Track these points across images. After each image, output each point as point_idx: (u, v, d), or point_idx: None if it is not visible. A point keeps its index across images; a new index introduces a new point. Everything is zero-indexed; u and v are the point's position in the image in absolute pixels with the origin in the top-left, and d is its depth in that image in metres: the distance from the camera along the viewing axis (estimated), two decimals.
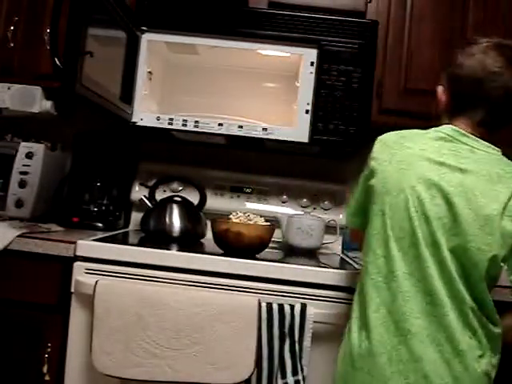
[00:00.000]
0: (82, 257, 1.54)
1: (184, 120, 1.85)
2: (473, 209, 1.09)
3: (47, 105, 1.95)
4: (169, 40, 1.88)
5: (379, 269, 1.15)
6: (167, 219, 1.84)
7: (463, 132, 1.19)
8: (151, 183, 2.06)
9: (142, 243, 1.77)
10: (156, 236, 1.85)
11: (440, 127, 1.21)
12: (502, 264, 1.13)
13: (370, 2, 1.88)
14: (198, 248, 1.76)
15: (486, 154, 1.17)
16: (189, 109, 1.98)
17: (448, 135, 1.18)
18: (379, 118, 1.86)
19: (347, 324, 1.25)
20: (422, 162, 1.14)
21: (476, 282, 1.11)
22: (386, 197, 1.16)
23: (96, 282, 1.47)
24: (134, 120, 1.87)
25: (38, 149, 1.89)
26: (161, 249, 1.57)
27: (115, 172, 2.04)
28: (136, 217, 2.12)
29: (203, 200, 1.98)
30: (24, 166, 1.87)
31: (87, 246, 1.56)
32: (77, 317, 1.53)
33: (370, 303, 1.15)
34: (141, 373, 1.43)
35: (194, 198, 1.96)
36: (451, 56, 1.28)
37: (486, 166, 1.13)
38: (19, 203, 1.85)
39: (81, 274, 1.52)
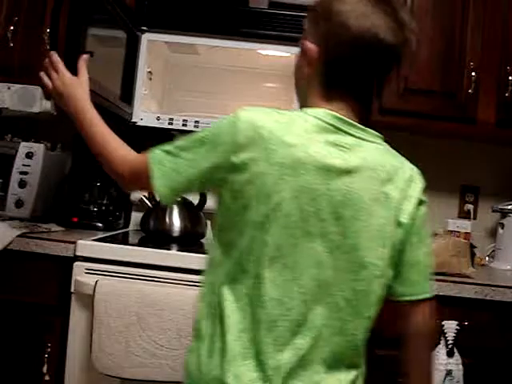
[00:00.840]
0: (82, 257, 1.54)
1: (184, 120, 1.85)
2: (364, 219, 0.92)
3: (47, 105, 1.95)
4: (169, 40, 1.88)
5: (245, 290, 0.92)
6: (167, 219, 1.83)
7: (346, 119, 0.95)
8: None
9: (142, 243, 1.77)
10: (156, 236, 1.85)
11: (317, 112, 0.95)
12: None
13: None
14: (198, 248, 1.76)
15: (372, 145, 0.96)
16: (189, 109, 1.98)
17: (330, 124, 0.94)
18: (379, 118, 1.85)
19: (194, 339, 1.00)
20: (306, 166, 0.90)
21: (367, 307, 0.94)
22: (262, 207, 0.90)
23: (96, 281, 1.46)
24: (134, 120, 1.87)
25: (38, 149, 1.89)
26: (161, 249, 1.57)
27: None
28: (136, 217, 2.12)
29: (203, 200, 1.97)
30: (24, 166, 1.87)
31: (87, 246, 1.55)
32: (77, 317, 1.52)
33: (230, 327, 0.92)
34: (141, 373, 1.43)
35: (193, 198, 1.96)
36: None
37: (374, 163, 0.94)
38: (19, 203, 1.85)
39: (81, 274, 1.52)
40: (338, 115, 0.95)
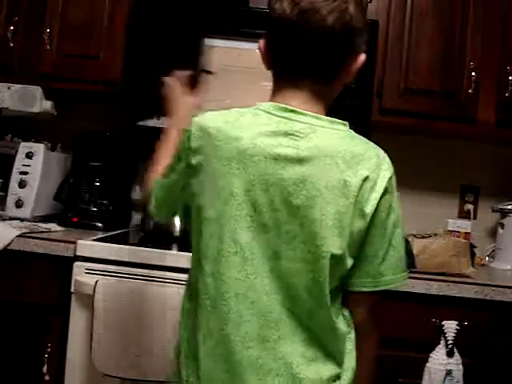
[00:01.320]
0: (82, 257, 1.54)
1: None
2: (320, 208, 0.89)
3: (47, 105, 1.95)
4: None
5: (208, 289, 0.92)
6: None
7: (296, 109, 0.93)
8: None
9: (142, 243, 1.77)
10: (156, 236, 1.85)
11: (266, 105, 0.96)
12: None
13: (370, 1, 1.88)
14: None
15: (329, 131, 0.93)
16: None
17: (280, 116, 0.93)
18: (379, 118, 1.85)
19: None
20: (255, 158, 0.90)
21: (328, 296, 0.91)
22: (216, 202, 0.92)
23: (96, 281, 1.46)
24: None
25: (38, 149, 1.89)
26: (161, 249, 1.57)
27: (115, 172, 2.04)
28: (136, 217, 2.12)
29: None
30: (24, 165, 1.87)
31: (87, 246, 1.56)
32: (77, 317, 1.52)
33: (199, 327, 0.93)
34: (140, 373, 1.43)
35: None
36: None
37: (330, 150, 0.90)
38: (19, 203, 1.85)
39: (81, 274, 1.52)
40: (287, 106, 0.94)
